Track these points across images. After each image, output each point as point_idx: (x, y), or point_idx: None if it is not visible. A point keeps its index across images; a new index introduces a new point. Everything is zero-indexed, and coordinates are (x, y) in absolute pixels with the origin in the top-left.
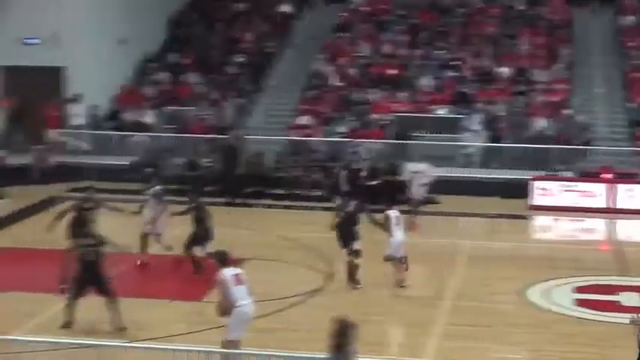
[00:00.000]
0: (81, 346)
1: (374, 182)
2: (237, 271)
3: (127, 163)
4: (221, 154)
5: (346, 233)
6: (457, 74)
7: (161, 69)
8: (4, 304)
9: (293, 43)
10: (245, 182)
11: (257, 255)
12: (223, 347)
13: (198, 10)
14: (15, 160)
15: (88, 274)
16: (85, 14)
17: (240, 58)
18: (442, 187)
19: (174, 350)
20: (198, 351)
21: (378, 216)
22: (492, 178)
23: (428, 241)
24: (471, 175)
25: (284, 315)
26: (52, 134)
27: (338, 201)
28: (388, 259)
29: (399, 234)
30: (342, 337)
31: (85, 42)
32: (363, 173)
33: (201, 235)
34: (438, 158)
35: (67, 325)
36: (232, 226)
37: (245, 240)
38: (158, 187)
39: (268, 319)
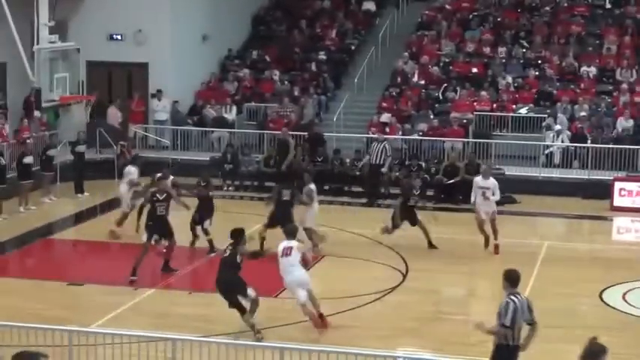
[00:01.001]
0: (155, 339)
1: (452, 181)
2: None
3: (207, 158)
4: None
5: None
6: (540, 73)
7: (243, 65)
8: (82, 296)
9: (375, 41)
10: (323, 179)
11: (334, 252)
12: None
13: (281, 7)
14: (97, 154)
15: None
16: (169, 11)
17: (322, 56)
18: (522, 186)
19: (245, 346)
20: (273, 347)
21: None
22: (573, 178)
23: (506, 241)
24: (551, 175)
25: (360, 312)
26: (135, 129)
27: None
28: None
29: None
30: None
31: (168, 38)
32: (384, 169)
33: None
34: (518, 158)
35: None
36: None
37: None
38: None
39: (344, 317)
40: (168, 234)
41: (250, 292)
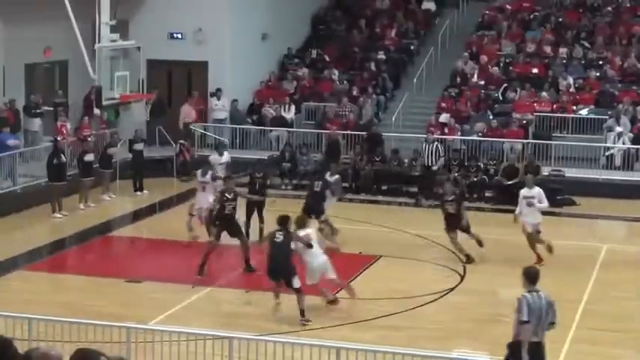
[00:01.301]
0: (212, 337)
1: (511, 182)
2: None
3: (266, 157)
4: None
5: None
6: (602, 74)
7: (302, 65)
8: (141, 293)
9: (435, 41)
10: (381, 179)
11: (391, 253)
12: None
13: (341, 6)
14: (156, 152)
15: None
16: (229, 10)
17: (381, 55)
18: (582, 188)
19: (302, 345)
20: (329, 346)
21: None
22: (634, 180)
23: (565, 243)
24: (612, 177)
25: (417, 313)
26: (194, 128)
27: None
28: None
29: None
30: None
31: (228, 37)
32: (435, 168)
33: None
34: (579, 159)
35: None
36: (367, 222)
37: (379, 237)
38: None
39: (401, 317)
40: (238, 233)
41: (296, 282)
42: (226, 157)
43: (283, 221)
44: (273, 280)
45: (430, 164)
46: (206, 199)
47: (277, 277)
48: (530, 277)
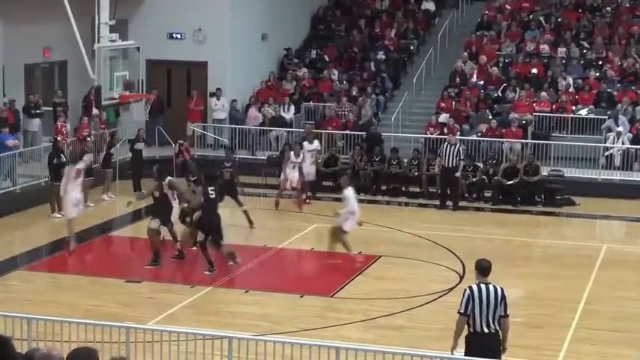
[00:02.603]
0: (212, 337)
1: (511, 182)
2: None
3: (265, 157)
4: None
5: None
6: (601, 74)
7: (302, 65)
8: (140, 293)
9: (434, 41)
10: (380, 179)
11: (391, 252)
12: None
13: (340, 6)
14: (155, 152)
15: None
16: (228, 10)
17: (381, 55)
18: (581, 188)
19: (301, 345)
20: (329, 346)
21: None
22: (634, 180)
23: (565, 243)
24: (611, 178)
25: (416, 313)
26: (193, 128)
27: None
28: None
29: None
30: None
31: (228, 37)
32: (458, 174)
33: None
34: (578, 159)
35: None
36: (367, 222)
37: (380, 237)
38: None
39: (400, 317)
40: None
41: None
42: (316, 144)
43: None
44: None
45: (450, 166)
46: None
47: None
48: (481, 268)
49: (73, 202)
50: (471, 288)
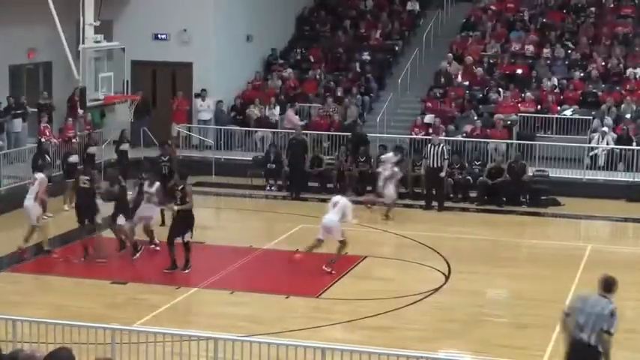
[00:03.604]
0: (197, 338)
1: (495, 181)
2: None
3: (251, 158)
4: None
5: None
6: (585, 74)
7: (287, 65)
8: (125, 294)
9: (419, 41)
10: (366, 180)
11: (376, 253)
12: None
13: (325, 7)
14: (140, 153)
15: None
16: (213, 11)
17: (366, 56)
18: (566, 188)
19: (287, 346)
20: (314, 347)
21: None
22: (618, 180)
23: (550, 243)
24: (596, 178)
25: (402, 314)
26: (178, 129)
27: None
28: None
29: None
30: None
31: (212, 38)
32: (443, 174)
33: None
34: (563, 160)
35: None
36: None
37: (365, 238)
38: None
39: (386, 317)
40: None
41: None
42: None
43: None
44: None
45: (435, 166)
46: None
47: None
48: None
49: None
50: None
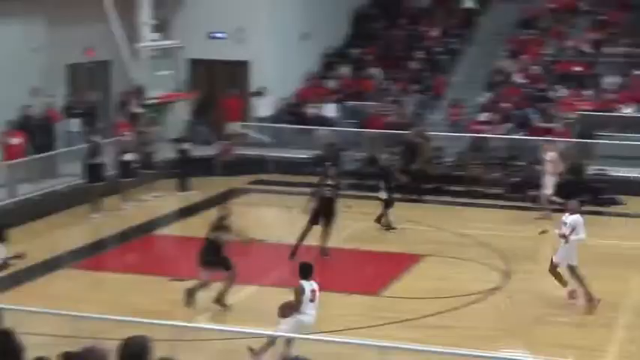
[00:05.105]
0: (257, 335)
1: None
2: (314, 286)
3: (308, 156)
4: (402, 150)
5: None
6: None
7: (343, 63)
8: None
9: (476, 39)
10: (425, 179)
11: (435, 252)
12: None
13: (381, 5)
14: (199, 152)
15: None
16: (269, 9)
17: (422, 54)
18: (627, 187)
19: (347, 344)
20: (373, 345)
21: None
22: None
23: (611, 243)
24: None
25: (462, 313)
26: (235, 127)
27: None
28: None
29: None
30: None
31: (268, 36)
32: None
33: None
34: (623, 158)
35: None
36: (411, 222)
37: (423, 236)
38: None
39: (447, 316)
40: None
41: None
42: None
43: None
44: None
45: None
46: None
47: None
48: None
49: None
50: None
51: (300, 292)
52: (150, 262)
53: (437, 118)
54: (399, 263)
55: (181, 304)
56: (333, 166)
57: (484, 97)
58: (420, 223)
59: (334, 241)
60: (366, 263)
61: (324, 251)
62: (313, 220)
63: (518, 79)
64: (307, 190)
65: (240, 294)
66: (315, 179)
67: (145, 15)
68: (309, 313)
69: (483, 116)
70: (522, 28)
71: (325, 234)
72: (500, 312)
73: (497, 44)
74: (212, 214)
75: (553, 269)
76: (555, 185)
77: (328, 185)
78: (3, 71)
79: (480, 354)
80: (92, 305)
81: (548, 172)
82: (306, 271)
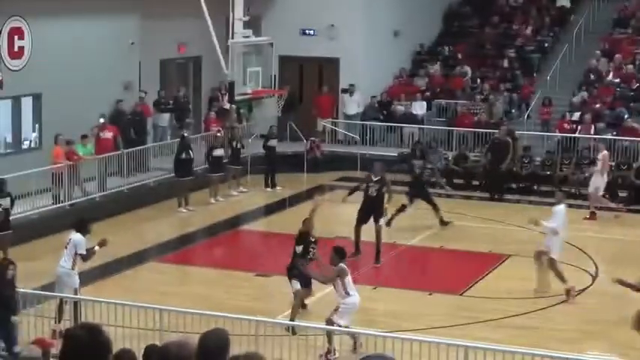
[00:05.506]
0: (339, 332)
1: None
2: None
3: (396, 154)
4: (491, 149)
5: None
6: None
7: (434, 61)
8: (270, 287)
9: (569, 38)
10: (512, 178)
11: (520, 251)
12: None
13: (473, 3)
14: (288, 148)
15: None
16: (360, 6)
17: (514, 52)
18: None
19: (430, 343)
20: (458, 345)
21: None
22: None
23: None
24: None
25: (547, 314)
26: (324, 124)
27: None
28: None
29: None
30: None
31: (360, 33)
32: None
33: None
34: None
35: None
36: (495, 221)
37: (508, 236)
38: None
39: (531, 317)
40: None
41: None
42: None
43: None
44: None
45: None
46: None
47: None
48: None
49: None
50: None
51: (344, 273)
52: (235, 257)
53: (526, 116)
54: (484, 263)
55: (264, 300)
56: (405, 162)
57: (576, 97)
58: (503, 223)
59: (417, 240)
60: (450, 262)
61: (377, 258)
62: (360, 222)
63: (611, 78)
64: (397, 188)
65: (322, 292)
66: (407, 177)
67: (239, 11)
68: (354, 293)
69: (574, 116)
70: (616, 27)
71: (377, 234)
72: (586, 313)
73: (591, 43)
74: (298, 210)
75: (551, 265)
76: (606, 183)
77: (373, 182)
78: (98, 66)
79: (565, 355)
80: (177, 299)
81: (599, 170)
82: (343, 253)
